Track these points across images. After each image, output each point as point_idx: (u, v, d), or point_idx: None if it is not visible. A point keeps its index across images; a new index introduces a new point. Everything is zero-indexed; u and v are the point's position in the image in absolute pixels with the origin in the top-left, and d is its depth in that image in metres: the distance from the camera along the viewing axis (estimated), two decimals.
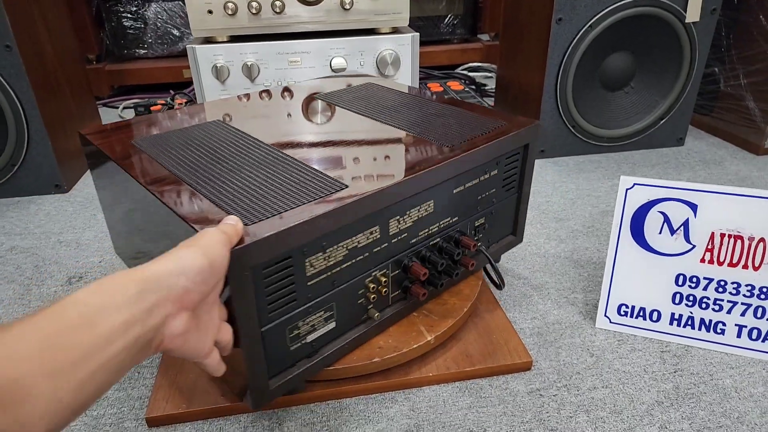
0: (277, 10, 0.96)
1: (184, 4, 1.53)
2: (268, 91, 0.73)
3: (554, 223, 0.86)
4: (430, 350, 0.56)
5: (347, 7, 0.98)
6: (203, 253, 0.34)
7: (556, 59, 1.03)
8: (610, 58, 1.07)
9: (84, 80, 1.17)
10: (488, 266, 0.64)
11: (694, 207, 0.57)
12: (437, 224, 0.55)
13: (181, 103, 1.16)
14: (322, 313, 0.48)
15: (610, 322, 0.62)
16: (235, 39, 0.99)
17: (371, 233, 0.48)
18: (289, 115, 0.64)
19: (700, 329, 0.59)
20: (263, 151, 0.54)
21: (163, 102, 1.19)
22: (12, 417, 0.23)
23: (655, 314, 0.61)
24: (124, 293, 0.29)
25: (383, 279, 0.52)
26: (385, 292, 0.53)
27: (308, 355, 0.49)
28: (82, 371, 0.26)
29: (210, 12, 0.95)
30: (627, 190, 0.59)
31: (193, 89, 1.35)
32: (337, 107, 0.67)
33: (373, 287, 0.51)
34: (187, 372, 0.56)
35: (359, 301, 0.51)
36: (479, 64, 1.70)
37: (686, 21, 1.03)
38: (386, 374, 0.55)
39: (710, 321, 0.59)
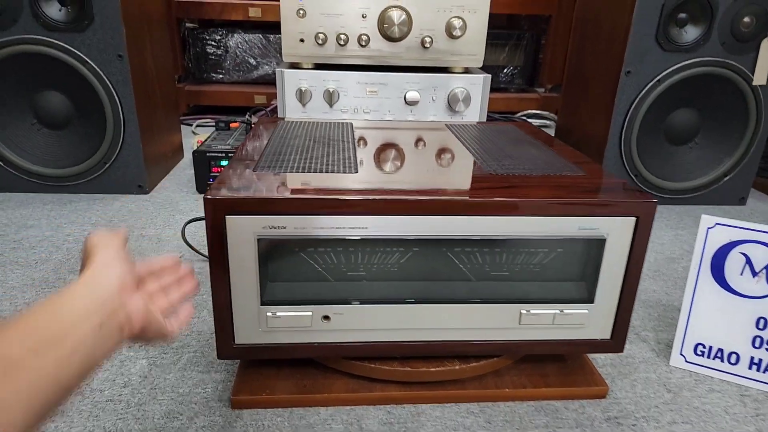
0: (363, 44, 1.03)
1: (264, 37, 1.65)
2: None
3: None
4: (505, 366, 0.57)
5: (427, 45, 1.04)
6: (114, 257, 0.37)
7: (622, 109, 1.06)
8: (676, 113, 1.10)
9: (173, 95, 1.26)
10: None
11: None
12: None
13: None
14: None
15: (686, 361, 0.62)
16: (319, 66, 1.07)
17: None
18: None
19: None
20: None
21: (242, 120, 1.28)
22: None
23: (733, 357, 0.60)
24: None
25: None
26: None
27: None
28: (60, 348, 0.30)
29: (302, 41, 1.03)
30: (708, 229, 0.60)
31: (267, 112, 1.43)
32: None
33: None
34: (270, 361, 0.58)
35: None
36: (537, 111, 1.75)
37: (753, 83, 1.05)
38: (461, 384, 0.56)
39: None
